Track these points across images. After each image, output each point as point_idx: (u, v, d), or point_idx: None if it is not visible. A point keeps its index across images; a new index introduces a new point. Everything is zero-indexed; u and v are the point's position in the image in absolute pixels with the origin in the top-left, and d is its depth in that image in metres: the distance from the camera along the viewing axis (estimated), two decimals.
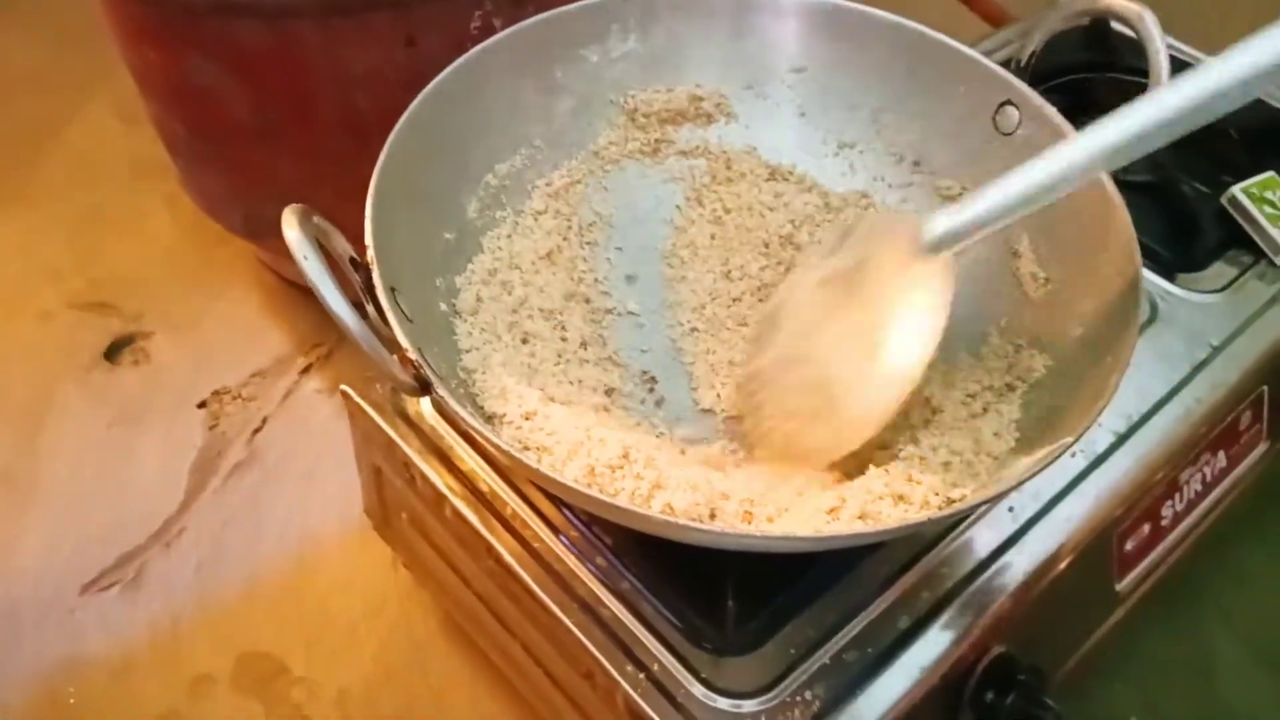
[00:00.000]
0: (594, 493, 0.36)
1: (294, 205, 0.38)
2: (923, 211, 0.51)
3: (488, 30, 0.59)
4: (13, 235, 0.86)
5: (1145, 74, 0.49)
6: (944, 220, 0.40)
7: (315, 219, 0.38)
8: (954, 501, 0.39)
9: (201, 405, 0.73)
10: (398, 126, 0.44)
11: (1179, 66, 0.49)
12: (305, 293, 0.78)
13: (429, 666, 0.60)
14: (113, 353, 0.77)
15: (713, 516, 0.39)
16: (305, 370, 0.76)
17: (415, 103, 0.45)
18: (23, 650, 0.61)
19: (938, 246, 0.40)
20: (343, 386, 0.51)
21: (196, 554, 0.65)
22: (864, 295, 0.43)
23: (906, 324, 0.41)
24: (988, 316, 0.48)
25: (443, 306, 0.46)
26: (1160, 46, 0.49)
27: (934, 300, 0.41)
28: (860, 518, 0.39)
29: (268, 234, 0.70)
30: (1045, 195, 0.38)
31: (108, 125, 0.96)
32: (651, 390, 0.48)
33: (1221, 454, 0.54)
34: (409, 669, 0.60)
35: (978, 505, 0.39)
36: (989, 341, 0.47)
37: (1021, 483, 0.37)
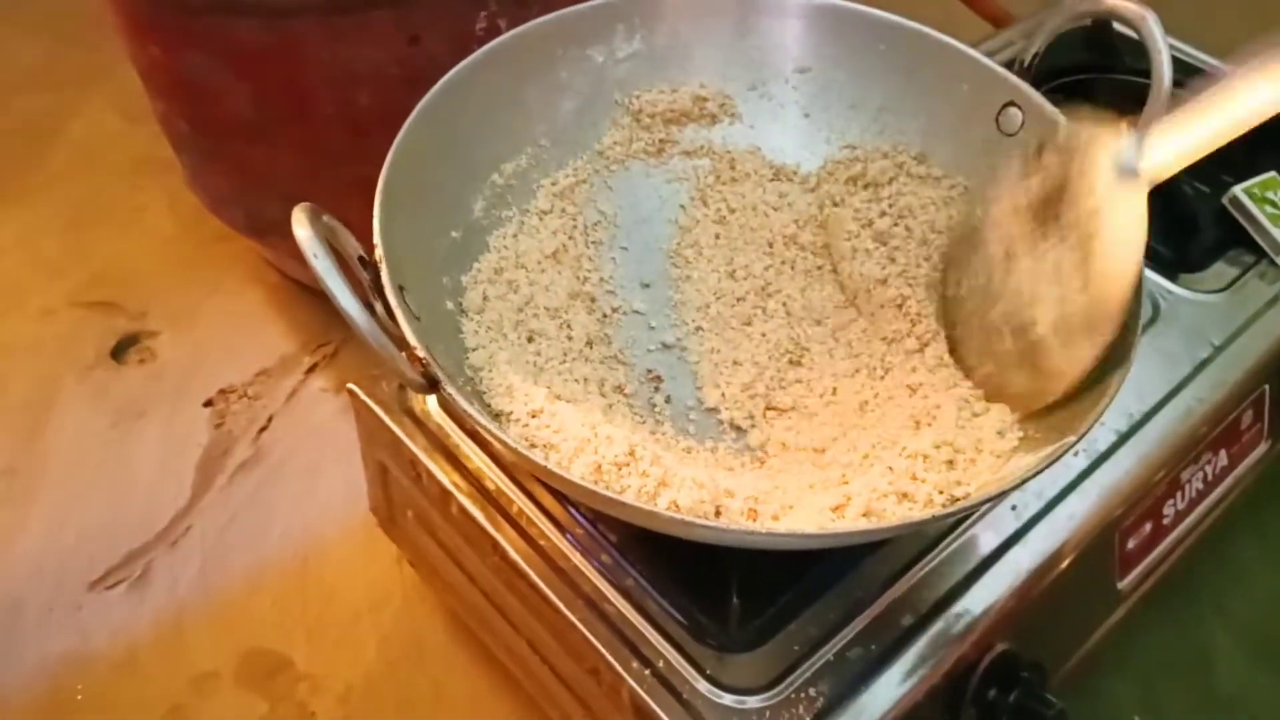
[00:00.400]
0: (601, 490, 0.36)
1: (303, 204, 0.38)
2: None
3: (493, 31, 0.59)
4: (14, 232, 0.86)
5: (1147, 75, 0.49)
6: (1153, 146, 0.38)
7: (325, 218, 0.39)
8: (957, 499, 0.39)
9: (207, 404, 0.74)
10: (405, 126, 0.44)
11: (1181, 68, 0.50)
12: (308, 290, 0.79)
13: (433, 663, 0.60)
14: (119, 351, 0.77)
15: (718, 514, 0.39)
16: (311, 369, 0.76)
17: (422, 102, 0.45)
18: (30, 646, 0.61)
19: (1142, 174, 0.38)
20: (349, 385, 0.51)
21: (202, 552, 0.66)
22: (1062, 225, 0.40)
23: (1108, 261, 0.39)
24: None
25: (449, 305, 0.46)
26: (1162, 48, 0.50)
27: (1135, 233, 0.38)
28: (864, 515, 0.39)
29: (271, 232, 0.70)
30: (1260, 117, 0.36)
31: (108, 122, 0.96)
32: (657, 389, 0.49)
33: (1223, 453, 0.55)
34: (413, 666, 0.60)
35: (981, 503, 0.39)
36: None
37: (1024, 481, 0.37)
